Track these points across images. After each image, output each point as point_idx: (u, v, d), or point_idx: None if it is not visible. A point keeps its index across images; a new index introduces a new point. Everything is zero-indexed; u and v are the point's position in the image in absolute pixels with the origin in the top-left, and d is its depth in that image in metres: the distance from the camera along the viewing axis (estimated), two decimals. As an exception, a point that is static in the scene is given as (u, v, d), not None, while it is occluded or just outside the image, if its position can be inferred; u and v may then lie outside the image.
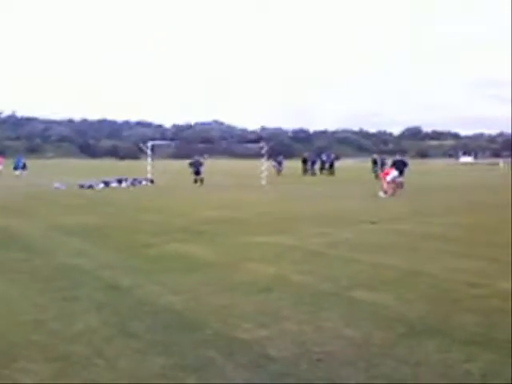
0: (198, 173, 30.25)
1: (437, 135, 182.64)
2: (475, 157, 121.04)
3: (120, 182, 29.19)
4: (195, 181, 29.86)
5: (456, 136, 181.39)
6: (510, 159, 77.19)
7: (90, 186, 26.85)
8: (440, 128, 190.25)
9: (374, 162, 49.23)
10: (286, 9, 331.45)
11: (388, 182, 21.91)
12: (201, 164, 30.91)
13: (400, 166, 24.34)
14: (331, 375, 4.10)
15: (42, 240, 10.75)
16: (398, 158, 27.05)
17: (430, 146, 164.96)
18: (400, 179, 23.81)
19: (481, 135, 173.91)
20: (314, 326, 5.21)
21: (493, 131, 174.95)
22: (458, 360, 4.36)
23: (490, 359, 4.38)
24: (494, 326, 5.21)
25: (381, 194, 21.43)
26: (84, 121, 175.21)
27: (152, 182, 29.32)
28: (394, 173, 22.50)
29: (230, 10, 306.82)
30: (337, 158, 59.65)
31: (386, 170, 24.05)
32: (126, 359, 4.40)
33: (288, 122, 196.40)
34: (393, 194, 21.48)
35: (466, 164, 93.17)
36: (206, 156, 33.90)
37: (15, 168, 40.37)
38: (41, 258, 8.73)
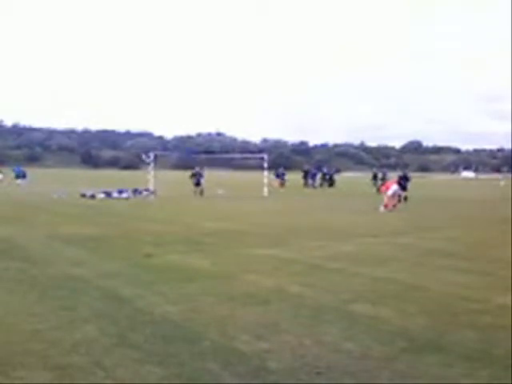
0: (198, 184, 30.36)
1: (437, 150, 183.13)
2: (476, 172, 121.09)
3: (121, 192, 29.21)
4: (195, 192, 29.95)
5: (457, 151, 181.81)
6: (510, 174, 77.32)
7: (91, 196, 26.88)
8: (441, 143, 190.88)
9: (375, 177, 49.45)
10: (289, 20, 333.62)
11: (389, 197, 21.70)
12: (201, 175, 31.00)
13: (403, 181, 25.60)
14: (330, 388, 4.09)
15: (42, 249, 10.75)
16: (401, 173, 28.24)
17: (430, 161, 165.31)
18: (401, 193, 24.81)
19: (482, 150, 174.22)
20: (313, 339, 5.20)
21: (493, 146, 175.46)
22: (457, 375, 4.35)
23: (488, 374, 4.37)
24: (492, 341, 5.20)
25: (381, 208, 21.25)
26: (86, 131, 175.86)
27: (153, 192, 29.34)
28: (395, 187, 22.26)
29: (232, 21, 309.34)
30: (337, 171, 59.81)
31: (386, 184, 23.82)
32: (125, 369, 4.39)
33: (289, 134, 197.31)
34: (393, 209, 21.24)
35: (467, 179, 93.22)
36: (204, 168, 33.85)
37: (17, 177, 40.58)
38: (40, 268, 8.72)
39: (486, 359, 4.71)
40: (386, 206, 21.33)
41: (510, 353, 4.83)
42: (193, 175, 31.23)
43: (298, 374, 4.35)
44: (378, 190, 33.82)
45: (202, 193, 29.66)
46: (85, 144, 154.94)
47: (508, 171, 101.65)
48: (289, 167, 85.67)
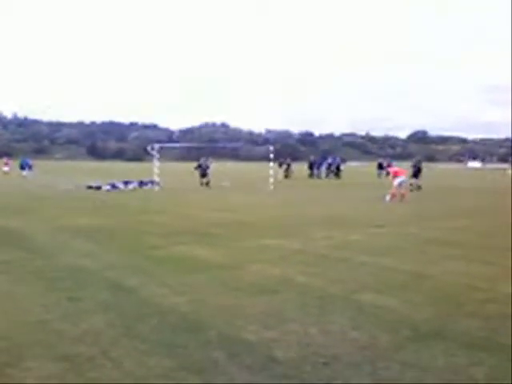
0: (204, 175, 30.30)
1: (443, 139, 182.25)
2: (483, 162, 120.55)
3: (127, 183, 29.26)
4: (201, 183, 29.92)
5: (463, 141, 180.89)
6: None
7: (98, 188, 26.93)
8: (447, 132, 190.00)
9: (380, 166, 49.57)
10: (293, 11, 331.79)
11: (395, 186, 21.28)
12: (207, 167, 30.91)
13: (415, 170, 28.46)
14: (336, 378, 4.10)
15: (49, 240, 10.79)
16: (413, 162, 30.08)
17: (436, 151, 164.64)
18: (414, 181, 27.75)
19: (488, 140, 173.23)
20: (319, 329, 5.21)
21: (500, 136, 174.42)
22: (463, 364, 4.35)
23: (494, 363, 4.36)
24: (497, 330, 5.19)
25: (387, 197, 21.08)
26: (92, 123, 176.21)
27: (158, 184, 29.37)
28: (402, 177, 21.74)
29: (236, 12, 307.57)
30: (343, 161, 59.65)
31: (394, 169, 23.06)
32: (131, 360, 4.42)
33: (294, 124, 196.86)
34: (399, 199, 20.73)
35: (473, 169, 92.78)
36: (211, 159, 33.53)
37: (22, 167, 40.75)
38: (47, 259, 8.76)
39: (492, 348, 4.71)
40: (393, 196, 21.03)
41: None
42: (198, 166, 31.16)
43: (304, 363, 4.36)
44: (388, 174, 34.56)
45: (208, 184, 29.61)
46: (91, 136, 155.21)
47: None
48: (294, 158, 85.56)
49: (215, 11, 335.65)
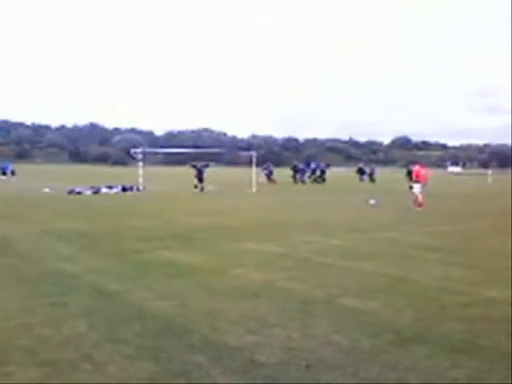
0: (201, 180, 29.90)
1: (425, 145, 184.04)
2: (463, 167, 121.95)
3: (110, 188, 29.11)
4: (195, 186, 29.53)
5: (444, 146, 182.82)
6: (497, 170, 77.90)
7: (79, 193, 26.75)
8: (428, 138, 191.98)
9: (360, 171, 50.27)
10: (277, 17, 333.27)
11: (419, 193, 19.77)
12: (204, 168, 30.37)
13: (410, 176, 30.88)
14: (319, 380, 4.13)
15: (31, 245, 10.70)
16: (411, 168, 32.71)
17: (418, 156, 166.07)
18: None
19: (469, 146, 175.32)
20: (302, 333, 5.24)
21: (480, 142, 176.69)
22: (444, 366, 4.41)
23: (475, 366, 4.43)
24: (479, 333, 5.27)
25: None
26: (75, 127, 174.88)
27: (142, 188, 29.26)
28: (419, 184, 20.07)
29: (220, 16, 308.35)
30: (327, 166, 60.03)
31: (418, 173, 20.68)
32: (115, 364, 4.41)
33: (278, 130, 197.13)
34: (418, 206, 19.31)
35: (454, 174, 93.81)
36: (212, 164, 32.99)
37: (3, 173, 40.37)
38: (29, 263, 8.70)
39: (473, 351, 4.78)
40: (419, 205, 19.42)
41: (496, 344, 4.91)
42: (194, 166, 30.65)
43: (287, 366, 4.39)
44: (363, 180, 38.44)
45: (202, 189, 29.23)
46: (73, 140, 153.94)
47: (495, 166, 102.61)
48: (278, 163, 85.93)
49: (200, 14, 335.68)
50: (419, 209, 19.18)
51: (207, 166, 30.86)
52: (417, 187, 20.00)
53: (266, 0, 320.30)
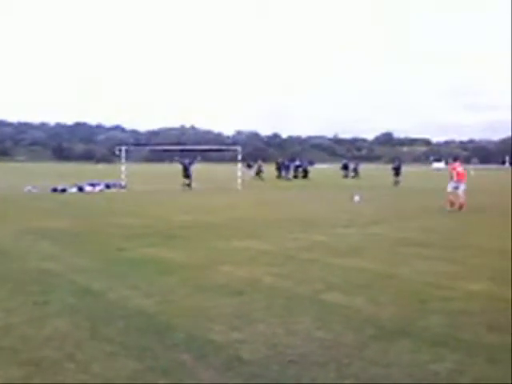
0: (188, 176, 29.69)
1: (409, 141, 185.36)
2: (446, 163, 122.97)
3: (93, 185, 28.91)
4: (183, 184, 29.43)
5: (428, 142, 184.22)
6: (479, 165, 78.62)
7: (63, 190, 26.54)
8: (412, 135, 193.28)
9: (345, 167, 50.91)
10: (264, 15, 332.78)
11: (450, 192, 17.94)
12: (191, 165, 30.09)
13: (397, 171, 36.51)
14: (302, 376, 4.16)
15: (13, 244, 10.60)
16: (395, 165, 37.69)
17: (402, 152, 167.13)
18: (395, 179, 35.42)
19: (452, 142, 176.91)
20: (286, 329, 5.26)
21: (464, 138, 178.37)
22: (426, 360, 4.46)
23: (456, 359, 4.49)
24: (459, 327, 5.34)
25: (356, 198, 21.02)
26: (58, 124, 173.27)
27: (125, 186, 29.09)
28: (462, 182, 17.92)
29: (206, 15, 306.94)
30: (311, 163, 60.26)
31: (459, 170, 18.27)
32: (98, 363, 4.39)
33: (263, 126, 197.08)
34: (459, 209, 17.25)
35: (438, 170, 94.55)
36: (198, 158, 32.81)
37: None
38: (12, 262, 8.62)
39: (453, 344, 4.83)
40: (451, 204, 17.59)
41: (477, 338, 4.98)
42: (181, 163, 30.37)
43: (271, 362, 4.41)
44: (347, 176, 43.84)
45: (189, 185, 29.12)
46: (57, 138, 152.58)
47: (477, 162, 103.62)
48: (263, 159, 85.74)
49: (185, 13, 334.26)
50: (452, 207, 17.45)
51: (193, 162, 30.64)
52: (452, 186, 17.95)
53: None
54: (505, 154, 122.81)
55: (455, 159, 20.05)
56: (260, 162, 44.94)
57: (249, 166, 43.68)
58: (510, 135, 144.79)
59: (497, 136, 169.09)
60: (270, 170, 47.56)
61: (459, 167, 18.38)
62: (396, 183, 35.76)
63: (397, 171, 36.93)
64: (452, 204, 17.51)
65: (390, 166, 42.99)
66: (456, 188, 17.72)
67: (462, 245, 10.72)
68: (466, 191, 17.64)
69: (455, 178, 17.95)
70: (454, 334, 5.13)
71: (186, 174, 29.70)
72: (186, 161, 30.47)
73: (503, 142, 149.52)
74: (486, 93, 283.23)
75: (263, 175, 42.98)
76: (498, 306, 6.12)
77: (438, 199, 22.42)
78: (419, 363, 4.40)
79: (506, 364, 4.37)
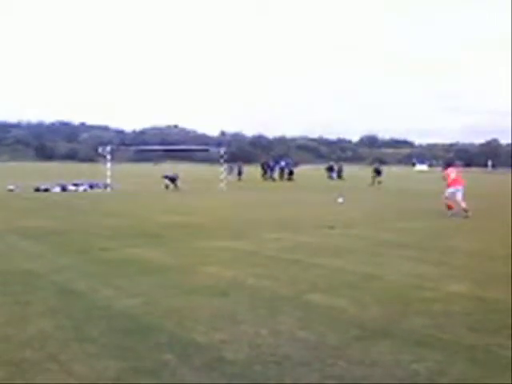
0: (173, 180, 29.89)
1: (392, 143, 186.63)
2: (430, 165, 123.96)
3: (77, 185, 28.71)
4: (166, 187, 29.46)
5: (411, 145, 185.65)
6: (461, 169, 79.19)
7: (46, 190, 26.31)
8: (396, 136, 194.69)
9: (330, 168, 51.33)
10: (248, 16, 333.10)
11: (447, 197, 17.38)
12: (175, 179, 30.33)
13: (379, 172, 39.46)
14: (285, 376, 4.17)
15: (-5, 244, 10.49)
16: (376, 166, 41.42)
17: (385, 154, 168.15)
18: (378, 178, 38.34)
19: (435, 145, 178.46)
20: (270, 330, 5.27)
21: (447, 141, 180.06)
22: (407, 360, 4.50)
23: (437, 359, 4.54)
24: (442, 327, 5.40)
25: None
26: (40, 123, 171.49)
27: (110, 186, 28.93)
28: (459, 187, 17.23)
29: (191, 16, 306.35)
30: (295, 164, 60.47)
31: (454, 176, 17.67)
32: (81, 363, 4.36)
33: (248, 127, 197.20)
34: (465, 216, 16.36)
35: (421, 172, 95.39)
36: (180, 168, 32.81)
37: None
38: (-7, 262, 8.53)
39: (436, 344, 4.88)
40: (449, 208, 17.14)
41: (458, 338, 5.04)
42: (166, 177, 30.58)
43: (254, 363, 4.41)
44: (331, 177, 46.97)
45: (176, 186, 29.13)
46: (39, 137, 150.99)
47: (461, 165, 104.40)
48: (248, 160, 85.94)
49: (172, 13, 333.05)
50: (451, 211, 17.00)
51: (176, 179, 30.50)
52: (450, 191, 17.35)
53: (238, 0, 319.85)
54: (487, 157, 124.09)
55: (448, 165, 19.65)
56: (240, 164, 45.03)
57: (231, 169, 43.59)
58: (491, 138, 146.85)
59: (478, 139, 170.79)
60: (255, 170, 47.63)
61: (452, 173, 17.84)
62: (378, 183, 38.53)
63: (378, 173, 40.00)
64: (450, 207, 17.07)
65: (372, 167, 43.94)
66: (453, 194, 17.14)
67: (445, 246, 10.81)
68: (452, 194, 17.25)
69: (451, 184, 17.32)
70: (436, 334, 5.18)
71: (171, 177, 29.85)
72: (170, 176, 30.61)
73: (485, 145, 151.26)
74: (468, 97, 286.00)
75: (242, 176, 43.12)
76: (479, 308, 6.19)
77: (421, 201, 22.63)
78: (400, 363, 4.44)
79: (485, 364, 4.43)
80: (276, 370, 4.29)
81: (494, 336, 5.11)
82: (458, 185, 17.25)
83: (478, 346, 4.87)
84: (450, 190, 17.27)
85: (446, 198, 17.33)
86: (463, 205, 16.69)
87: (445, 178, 17.83)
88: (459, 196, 16.97)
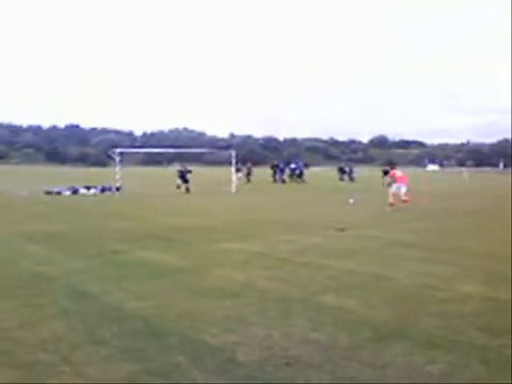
0: (185, 181, 29.92)
1: (403, 144, 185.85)
2: (441, 165, 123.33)
3: (88, 188, 28.88)
4: (178, 186, 29.59)
5: (422, 145, 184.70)
6: (473, 168, 78.83)
7: (58, 193, 26.47)
8: (407, 137, 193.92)
9: (341, 170, 51.12)
10: (258, 16, 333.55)
11: (393, 194, 19.98)
12: (189, 171, 30.47)
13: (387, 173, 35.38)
14: (296, 378, 4.17)
15: (7, 247, 10.57)
16: (385, 168, 36.95)
17: (396, 155, 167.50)
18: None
19: (446, 145, 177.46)
20: (281, 331, 5.27)
21: (458, 141, 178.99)
22: (420, 362, 4.48)
23: (449, 361, 4.51)
24: (454, 329, 5.36)
25: (350, 201, 21.34)
26: (52, 127, 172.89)
27: (121, 189, 29.06)
28: (402, 185, 20.02)
29: (198, 17, 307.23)
30: (306, 165, 60.39)
31: (398, 174, 20.52)
32: (93, 366, 4.39)
33: (258, 129, 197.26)
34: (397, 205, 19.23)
35: (432, 172, 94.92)
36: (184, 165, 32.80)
37: None
38: (5, 266, 8.60)
39: (449, 346, 4.86)
40: (391, 205, 19.65)
41: (471, 340, 5.01)
42: (179, 172, 30.63)
43: (266, 364, 4.41)
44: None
45: (188, 189, 29.16)
46: (51, 141, 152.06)
47: (472, 165, 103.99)
48: (258, 162, 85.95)
49: (180, 17, 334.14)
50: (392, 207, 19.46)
51: (190, 171, 30.67)
52: (394, 187, 20.10)
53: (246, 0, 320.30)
54: (498, 157, 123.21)
55: (393, 166, 23.98)
56: (249, 165, 44.95)
57: (237, 170, 43.55)
58: (502, 138, 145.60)
59: (490, 139, 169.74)
60: (265, 172, 47.62)
61: (398, 172, 20.83)
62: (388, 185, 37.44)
63: (386, 174, 39.15)
64: (392, 205, 19.59)
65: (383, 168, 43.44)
66: (398, 189, 19.97)
67: (456, 247, 10.75)
68: (409, 192, 20.12)
69: (397, 182, 20.19)
70: (449, 336, 5.15)
71: (184, 179, 29.85)
72: (183, 169, 30.65)
73: (496, 145, 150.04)
74: (479, 96, 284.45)
75: (252, 178, 43.07)
76: (490, 308, 6.15)
77: (430, 201, 22.49)
78: (414, 365, 4.42)
79: (497, 365, 4.40)
80: (287, 371, 4.29)
81: (506, 337, 5.07)
82: (402, 182, 20.14)
83: (490, 347, 4.84)
84: (396, 186, 20.10)
85: (393, 193, 19.99)
86: (404, 197, 19.59)
87: (392, 177, 20.74)
88: (403, 190, 19.89)
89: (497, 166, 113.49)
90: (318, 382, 4.11)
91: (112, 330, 5.28)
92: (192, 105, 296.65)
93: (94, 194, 27.76)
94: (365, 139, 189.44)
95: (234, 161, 33.89)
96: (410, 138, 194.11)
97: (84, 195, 26.97)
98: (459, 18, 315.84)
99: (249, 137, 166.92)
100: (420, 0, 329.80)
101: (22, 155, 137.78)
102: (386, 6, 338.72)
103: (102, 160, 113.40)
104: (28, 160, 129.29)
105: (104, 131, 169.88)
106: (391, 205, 19.62)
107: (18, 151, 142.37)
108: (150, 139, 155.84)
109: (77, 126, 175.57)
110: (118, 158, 31.55)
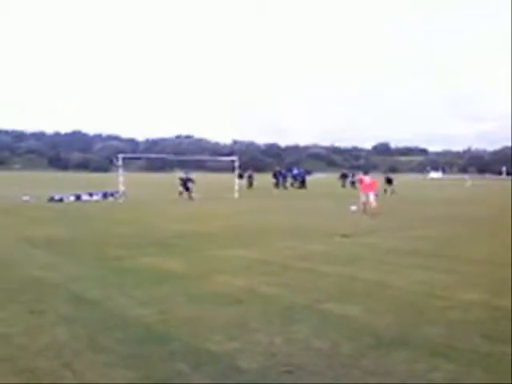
0: (187, 189, 29.93)
1: (406, 151, 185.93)
2: (443, 172, 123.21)
3: (91, 195, 28.90)
4: (180, 193, 29.58)
5: (424, 152, 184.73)
6: (475, 175, 78.74)
7: (61, 199, 26.49)
8: (409, 144, 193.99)
9: (343, 176, 51.32)
10: (259, 22, 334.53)
11: (362, 201, 20.82)
12: (189, 179, 30.40)
13: (390, 181, 37.59)
14: (299, 385, 4.16)
15: (9, 252, 10.57)
16: (388, 175, 39.97)
17: (399, 162, 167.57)
18: (389, 187, 36.25)
19: (448, 151, 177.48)
20: (284, 338, 5.26)
21: (460, 148, 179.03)
22: (423, 370, 4.46)
23: (452, 368, 4.49)
24: (456, 336, 5.35)
25: (352, 208, 21.43)
26: (55, 134, 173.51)
27: (123, 195, 29.07)
28: (371, 193, 20.63)
29: (201, 25, 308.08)
30: (308, 172, 60.47)
31: (365, 182, 21.23)
32: (95, 372, 4.38)
33: (260, 136, 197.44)
34: (372, 213, 19.62)
35: (434, 179, 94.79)
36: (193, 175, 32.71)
37: None
38: (8, 271, 8.60)
39: (450, 354, 4.84)
40: (359, 210, 20.55)
41: (473, 347, 4.99)
42: (181, 180, 30.68)
43: (268, 372, 4.40)
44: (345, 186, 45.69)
45: (190, 197, 29.16)
46: (54, 147, 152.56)
47: (474, 171, 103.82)
48: (260, 169, 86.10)
49: (182, 22, 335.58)
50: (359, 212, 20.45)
51: (191, 180, 30.61)
52: (363, 196, 21.07)
53: (248, 4, 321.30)
54: (500, 164, 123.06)
55: (365, 172, 23.97)
56: (250, 172, 44.98)
57: (240, 177, 43.54)
58: (504, 146, 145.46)
59: (492, 146, 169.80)
60: (267, 179, 47.61)
61: (367, 179, 21.40)
62: (391, 192, 36.62)
63: (389, 181, 38.64)
64: (364, 211, 20.34)
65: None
66: (367, 196, 20.69)
67: (456, 254, 10.73)
68: (377, 198, 21.07)
69: (362, 189, 21.26)
70: (451, 343, 5.14)
71: (186, 187, 29.83)
72: (185, 177, 30.66)
73: (498, 152, 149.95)
74: (481, 104, 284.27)
75: (254, 183, 43.07)
76: (492, 316, 6.13)
77: (431, 208, 22.47)
78: (416, 373, 4.40)
79: (501, 373, 4.38)
80: (290, 379, 4.28)
81: (509, 344, 5.05)
82: (371, 189, 20.83)
83: (492, 354, 4.82)
84: (364, 193, 20.90)
85: (363, 202, 20.75)
86: (374, 204, 20.24)
87: (361, 183, 21.93)
88: (372, 197, 20.54)
89: (499, 173, 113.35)
90: (321, 389, 4.10)
91: (114, 337, 5.26)
92: (195, 112, 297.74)
93: (97, 201, 27.77)
94: (368, 146, 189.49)
95: (235, 167, 33.90)
96: (412, 144, 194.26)
97: (87, 201, 26.97)
98: (459, 18, 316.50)
99: (251, 143, 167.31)
100: (420, 0, 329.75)
101: (24, 161, 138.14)
102: (391, 9, 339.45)
103: (104, 166, 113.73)
104: (31, 166, 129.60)
105: (107, 138, 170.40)
106: (364, 211, 20.30)
107: (20, 157, 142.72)
108: (152, 146, 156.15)
109: (80, 133, 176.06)
110: (120, 165, 31.58)
